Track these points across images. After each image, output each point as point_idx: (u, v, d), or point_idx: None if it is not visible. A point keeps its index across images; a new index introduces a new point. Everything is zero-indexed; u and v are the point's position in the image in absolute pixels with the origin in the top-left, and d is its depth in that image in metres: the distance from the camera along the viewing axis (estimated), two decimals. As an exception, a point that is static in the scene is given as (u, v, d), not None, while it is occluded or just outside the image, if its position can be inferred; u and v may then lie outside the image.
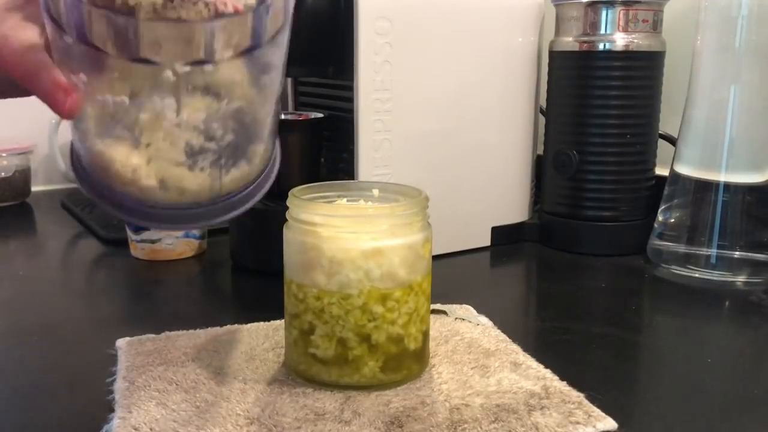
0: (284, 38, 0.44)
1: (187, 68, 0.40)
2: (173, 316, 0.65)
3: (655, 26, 0.81)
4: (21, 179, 1.11)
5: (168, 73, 0.40)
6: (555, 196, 0.87)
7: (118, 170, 0.43)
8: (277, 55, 0.45)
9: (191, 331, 0.58)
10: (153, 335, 0.57)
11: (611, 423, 0.44)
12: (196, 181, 0.44)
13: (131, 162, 0.43)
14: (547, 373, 0.51)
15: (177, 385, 0.49)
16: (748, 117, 0.74)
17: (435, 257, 0.53)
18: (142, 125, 0.42)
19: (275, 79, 0.46)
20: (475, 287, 0.75)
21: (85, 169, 0.46)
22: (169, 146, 0.43)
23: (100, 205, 0.45)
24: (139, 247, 0.80)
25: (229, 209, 0.47)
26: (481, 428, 0.44)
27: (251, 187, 0.48)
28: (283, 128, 0.78)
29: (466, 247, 0.85)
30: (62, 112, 0.42)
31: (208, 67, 0.40)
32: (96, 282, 0.76)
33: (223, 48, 0.40)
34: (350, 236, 0.47)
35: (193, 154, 0.43)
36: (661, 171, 0.84)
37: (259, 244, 0.76)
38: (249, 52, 0.41)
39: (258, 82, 0.44)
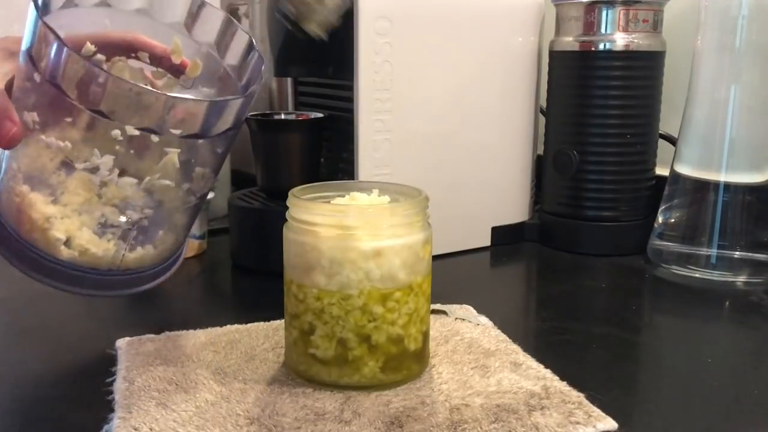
0: (228, 141, 0.48)
1: (136, 132, 0.43)
2: (173, 316, 0.65)
3: (655, 26, 0.81)
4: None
5: (117, 132, 0.43)
6: (555, 196, 0.87)
7: (32, 216, 0.45)
8: (216, 155, 0.48)
9: (191, 331, 0.58)
10: (153, 335, 0.57)
11: (611, 423, 0.44)
12: (101, 246, 0.46)
13: (48, 211, 0.45)
14: (547, 373, 0.51)
15: (177, 385, 0.49)
16: (748, 117, 0.74)
17: (435, 257, 0.53)
18: (65, 187, 0.44)
19: (206, 176, 0.48)
20: (475, 287, 0.75)
21: None
22: (85, 214, 0.45)
23: None
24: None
25: (119, 286, 0.49)
26: (481, 428, 0.44)
27: (149, 272, 0.51)
28: (283, 128, 0.79)
29: (466, 247, 0.84)
30: (3, 141, 0.44)
31: (154, 137, 0.43)
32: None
33: (173, 125, 0.43)
34: (350, 237, 0.47)
35: (104, 226, 0.46)
36: (661, 171, 0.84)
37: (259, 244, 0.76)
38: (194, 137, 0.45)
39: (188, 174, 0.47)
